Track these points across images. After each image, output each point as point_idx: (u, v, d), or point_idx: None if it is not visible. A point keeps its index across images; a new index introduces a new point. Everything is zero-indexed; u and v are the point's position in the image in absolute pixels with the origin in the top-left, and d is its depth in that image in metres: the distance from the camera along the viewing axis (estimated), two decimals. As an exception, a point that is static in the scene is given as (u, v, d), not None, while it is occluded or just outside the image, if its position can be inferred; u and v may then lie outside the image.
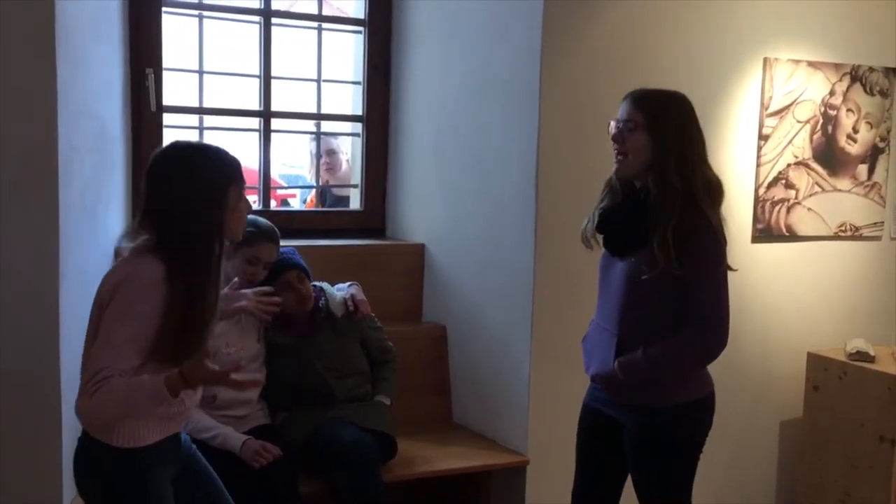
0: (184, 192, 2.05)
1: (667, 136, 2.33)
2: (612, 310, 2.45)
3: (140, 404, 1.97)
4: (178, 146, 2.17)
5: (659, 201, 2.31)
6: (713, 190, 2.37)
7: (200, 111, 3.82)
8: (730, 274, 3.52)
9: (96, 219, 2.97)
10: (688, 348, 2.38)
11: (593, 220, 2.50)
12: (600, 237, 2.51)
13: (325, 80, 4.00)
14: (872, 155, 3.85)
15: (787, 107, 3.64)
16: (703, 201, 2.32)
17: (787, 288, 3.75)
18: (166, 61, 3.59)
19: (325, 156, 4.47)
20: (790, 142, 3.67)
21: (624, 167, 2.40)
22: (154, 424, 2.10)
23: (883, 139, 3.86)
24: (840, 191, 3.80)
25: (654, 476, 2.48)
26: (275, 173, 5.80)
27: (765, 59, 3.57)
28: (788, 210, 3.70)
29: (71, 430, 2.56)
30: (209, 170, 2.08)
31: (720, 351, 2.39)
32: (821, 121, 3.72)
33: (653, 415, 2.42)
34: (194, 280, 2.02)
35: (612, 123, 2.42)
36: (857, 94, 3.78)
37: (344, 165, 4.52)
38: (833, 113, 3.74)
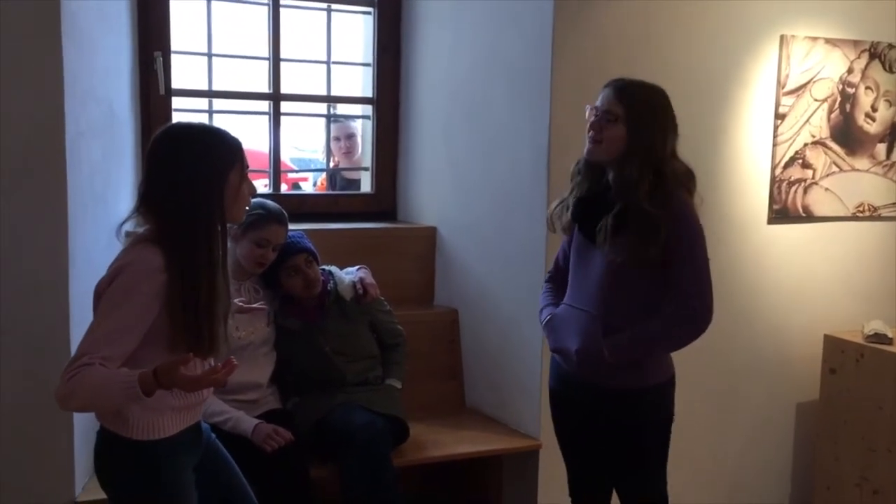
0: (183, 173, 1.98)
1: (643, 132, 2.39)
2: (589, 293, 2.47)
3: (113, 397, 1.88)
4: (177, 127, 2.09)
5: (627, 191, 2.37)
6: (685, 179, 2.44)
7: (209, 94, 3.79)
8: (746, 256, 3.58)
9: (106, 205, 2.94)
10: (673, 322, 2.39)
11: (569, 208, 2.54)
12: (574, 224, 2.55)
13: (334, 62, 3.97)
14: (891, 134, 3.79)
15: (804, 85, 3.58)
16: (675, 189, 2.39)
17: (803, 269, 3.70)
18: (175, 44, 3.56)
19: (343, 139, 4.43)
20: (807, 121, 3.61)
21: (596, 152, 2.44)
22: (173, 416, 2.06)
23: (902, 117, 3.80)
24: (858, 170, 3.74)
25: (635, 455, 2.52)
26: (286, 157, 5.77)
27: (781, 37, 3.50)
28: (805, 190, 3.64)
29: (83, 420, 2.56)
30: (209, 151, 2.02)
31: (708, 321, 2.40)
32: (839, 99, 3.66)
33: (631, 397, 2.46)
34: (195, 266, 1.96)
35: (590, 110, 2.45)
36: (876, 71, 3.71)
37: (361, 149, 4.49)
38: (851, 91, 3.68)
